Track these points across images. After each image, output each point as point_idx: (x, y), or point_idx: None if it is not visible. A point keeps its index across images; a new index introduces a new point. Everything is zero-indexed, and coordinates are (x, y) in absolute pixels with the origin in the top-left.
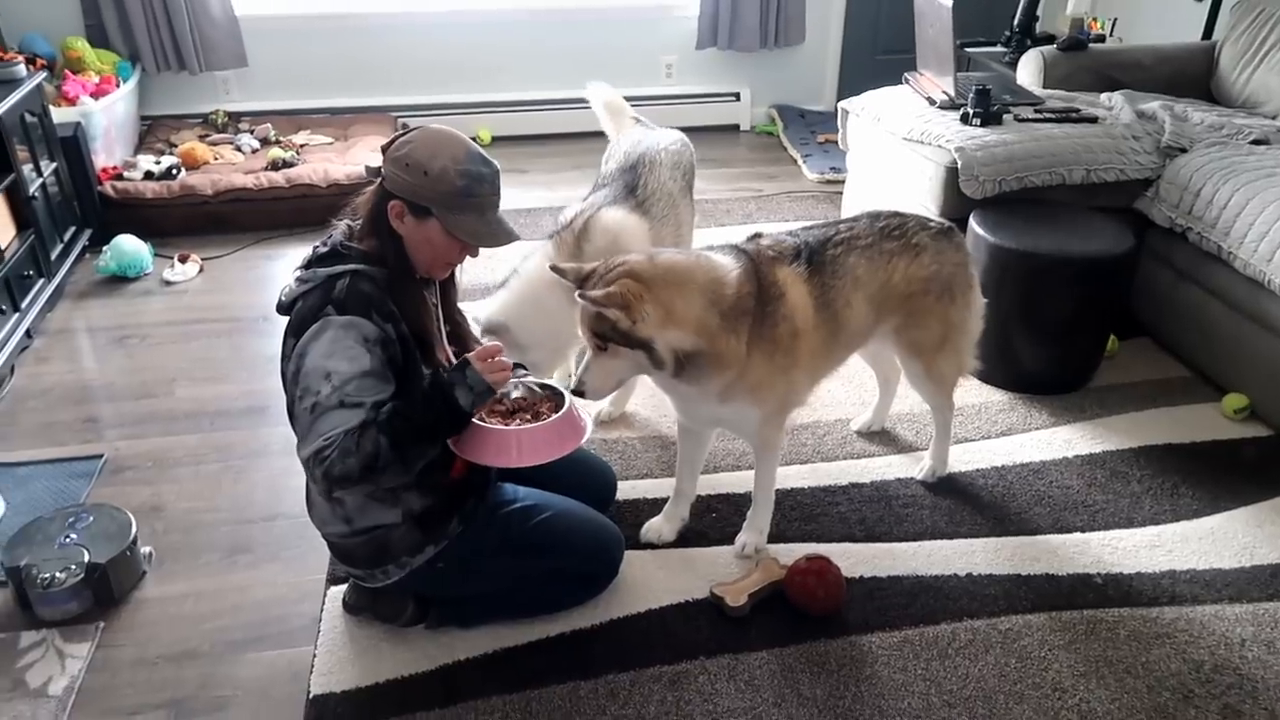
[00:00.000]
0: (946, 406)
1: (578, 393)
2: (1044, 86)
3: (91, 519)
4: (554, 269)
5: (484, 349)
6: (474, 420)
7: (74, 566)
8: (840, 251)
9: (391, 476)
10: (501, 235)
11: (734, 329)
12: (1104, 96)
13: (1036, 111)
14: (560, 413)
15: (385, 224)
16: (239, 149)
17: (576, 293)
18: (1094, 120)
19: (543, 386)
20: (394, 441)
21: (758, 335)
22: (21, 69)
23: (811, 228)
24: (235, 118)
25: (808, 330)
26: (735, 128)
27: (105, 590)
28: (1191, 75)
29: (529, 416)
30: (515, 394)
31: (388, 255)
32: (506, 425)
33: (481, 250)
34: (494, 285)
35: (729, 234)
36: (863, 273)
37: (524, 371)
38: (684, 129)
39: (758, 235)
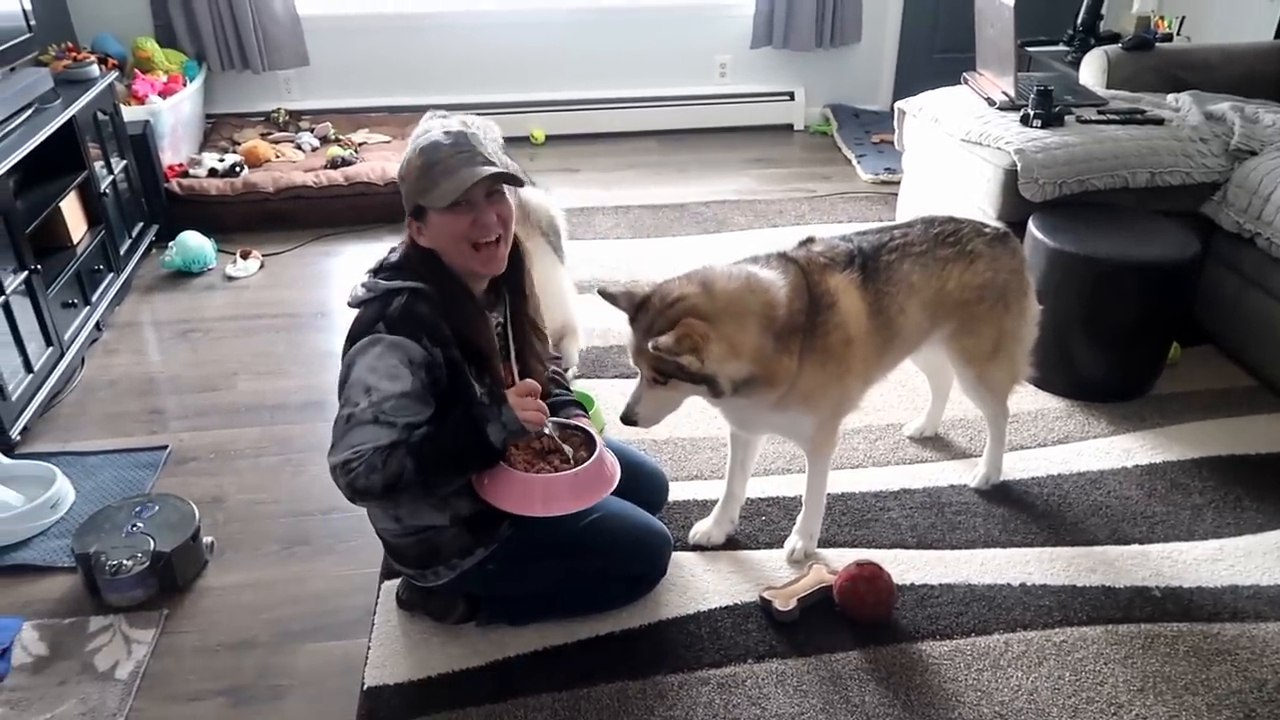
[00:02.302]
0: (1001, 414)
1: (629, 420)
2: (1108, 87)
3: (157, 508)
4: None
5: (522, 385)
6: (500, 462)
7: (140, 554)
8: (895, 258)
9: (411, 498)
10: (477, 178)
11: (787, 348)
12: (1170, 97)
13: (1100, 113)
14: (590, 460)
15: (416, 246)
16: (299, 147)
17: (650, 344)
18: (1160, 122)
19: (575, 427)
20: (420, 465)
21: (810, 346)
22: (94, 69)
23: (865, 233)
24: (296, 116)
25: (861, 337)
26: (789, 127)
27: (169, 578)
28: (1263, 76)
29: (558, 461)
30: (547, 431)
31: (428, 273)
32: (535, 466)
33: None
34: None
35: (782, 235)
36: (917, 279)
37: (574, 409)
38: (737, 128)
39: (810, 240)
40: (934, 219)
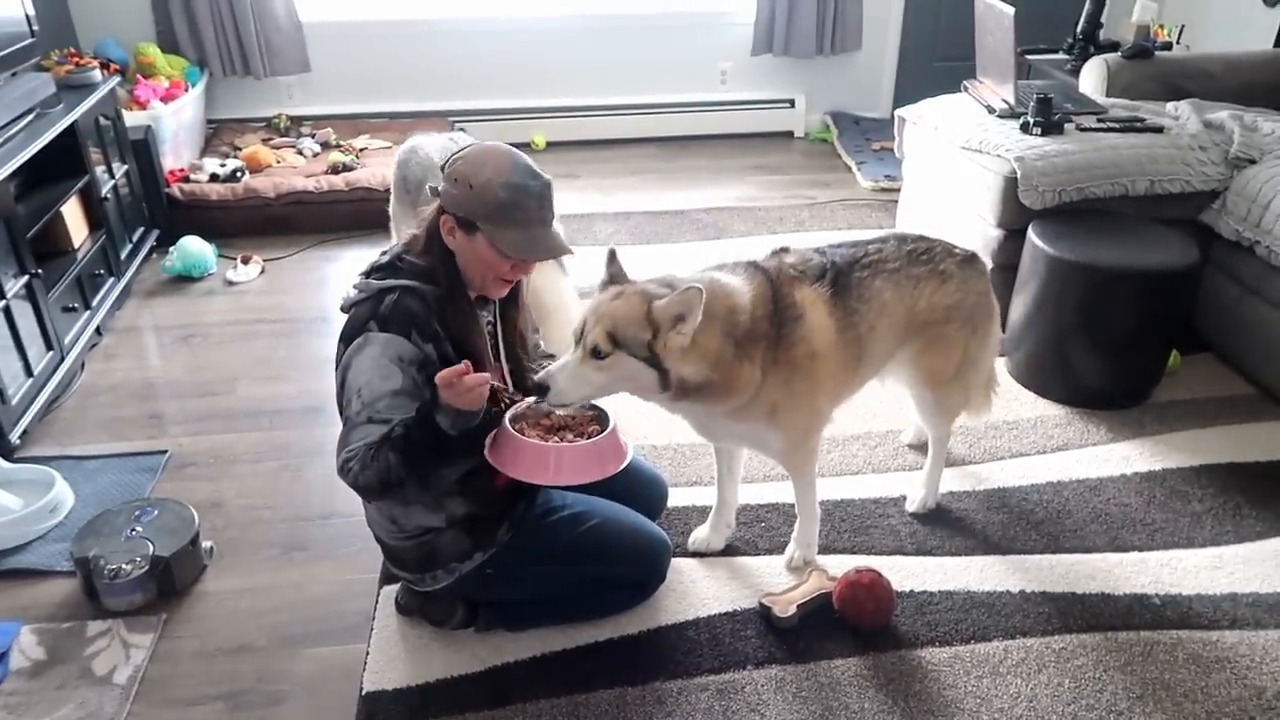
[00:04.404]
0: (947, 437)
1: (540, 387)
2: (1107, 95)
3: (156, 513)
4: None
5: (444, 372)
6: (513, 432)
7: (139, 559)
8: (867, 274)
9: (414, 491)
10: (544, 248)
11: (747, 355)
12: (1170, 106)
13: (1099, 120)
14: (604, 433)
15: (439, 240)
16: (300, 152)
17: (655, 302)
18: (1159, 130)
19: (586, 405)
20: (405, 460)
21: (773, 358)
22: (97, 74)
23: (839, 246)
24: (297, 122)
25: (827, 353)
26: (789, 134)
27: (168, 583)
28: (1262, 84)
29: (571, 436)
30: (560, 411)
31: (439, 271)
32: (547, 441)
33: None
34: None
35: (780, 242)
36: (889, 297)
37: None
38: (738, 135)
39: (783, 250)
40: (906, 236)
